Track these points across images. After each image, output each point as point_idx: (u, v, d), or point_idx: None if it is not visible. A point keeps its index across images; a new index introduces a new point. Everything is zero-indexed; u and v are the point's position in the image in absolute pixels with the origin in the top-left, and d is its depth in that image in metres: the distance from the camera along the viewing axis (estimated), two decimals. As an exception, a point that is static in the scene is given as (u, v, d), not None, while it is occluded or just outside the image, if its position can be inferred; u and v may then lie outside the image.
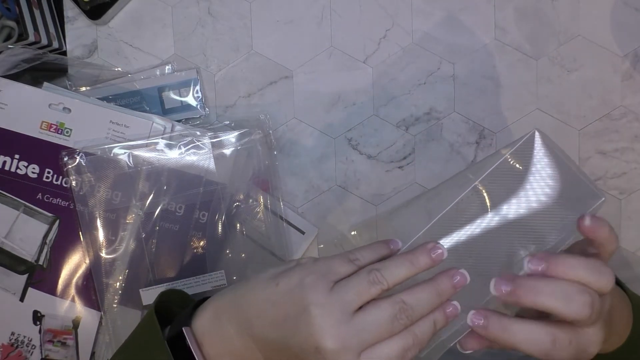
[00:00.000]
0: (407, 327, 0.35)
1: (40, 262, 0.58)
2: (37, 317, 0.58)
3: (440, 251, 0.37)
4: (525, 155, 0.40)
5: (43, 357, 0.58)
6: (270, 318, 0.36)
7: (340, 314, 0.34)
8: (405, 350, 0.35)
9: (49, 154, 0.58)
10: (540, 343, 0.35)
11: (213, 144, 0.58)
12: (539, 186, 0.39)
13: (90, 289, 0.58)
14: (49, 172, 0.58)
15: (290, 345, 0.35)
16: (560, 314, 0.34)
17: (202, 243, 0.58)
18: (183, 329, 0.38)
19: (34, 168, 0.58)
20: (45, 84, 0.59)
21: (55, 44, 0.60)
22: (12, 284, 0.58)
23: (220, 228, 0.58)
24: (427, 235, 0.39)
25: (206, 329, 0.39)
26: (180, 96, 0.61)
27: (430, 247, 0.37)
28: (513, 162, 0.39)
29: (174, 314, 0.43)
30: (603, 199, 0.40)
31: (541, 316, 0.36)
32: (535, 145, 0.40)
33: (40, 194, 0.58)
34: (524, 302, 0.34)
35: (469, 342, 0.38)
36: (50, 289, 0.58)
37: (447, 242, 0.39)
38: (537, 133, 0.40)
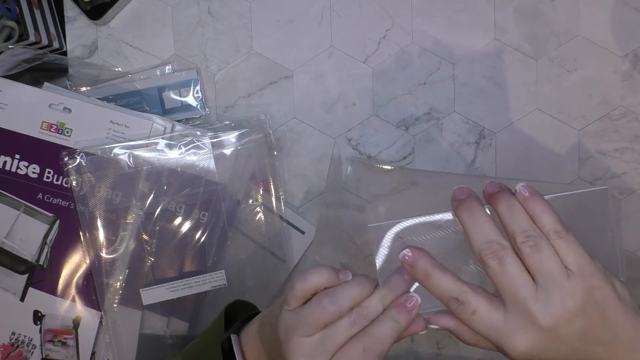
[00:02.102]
0: (363, 326, 0.38)
1: (41, 262, 0.58)
2: (38, 317, 0.58)
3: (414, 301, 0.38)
4: (586, 201, 0.39)
5: (43, 357, 0.58)
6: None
7: None
8: (367, 350, 0.37)
9: (49, 154, 0.58)
10: (445, 296, 0.36)
11: (213, 144, 0.58)
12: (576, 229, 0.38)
13: (91, 288, 0.58)
14: (49, 172, 0.58)
15: None
16: (466, 232, 0.36)
17: (202, 243, 0.58)
18: (231, 335, 0.44)
19: (34, 168, 0.58)
20: (46, 84, 0.59)
21: (56, 44, 0.60)
22: (13, 284, 0.58)
23: (220, 228, 0.58)
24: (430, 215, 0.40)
25: (248, 340, 0.44)
26: (181, 96, 0.61)
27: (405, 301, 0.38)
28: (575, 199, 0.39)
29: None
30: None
31: None
32: (600, 200, 0.39)
33: (40, 194, 0.58)
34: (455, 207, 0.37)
35: (439, 319, 0.39)
36: (51, 289, 0.58)
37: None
38: (609, 191, 0.39)
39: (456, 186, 0.38)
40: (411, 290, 0.39)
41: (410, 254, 0.37)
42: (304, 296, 0.39)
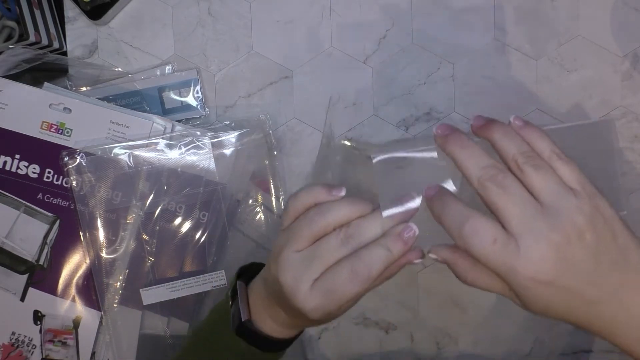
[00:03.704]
0: (354, 250, 0.37)
1: (41, 262, 0.58)
2: (38, 317, 0.58)
3: (412, 232, 0.37)
4: (587, 134, 0.38)
5: (43, 357, 0.58)
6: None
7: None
8: (354, 272, 0.36)
9: (49, 154, 0.58)
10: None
11: (213, 144, 0.58)
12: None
13: (91, 288, 0.58)
14: (49, 172, 0.58)
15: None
16: (459, 166, 0.35)
17: (202, 243, 0.58)
18: (237, 282, 0.45)
19: (34, 168, 0.58)
20: (46, 84, 0.59)
21: (56, 44, 0.60)
22: (13, 283, 0.58)
23: (220, 228, 0.58)
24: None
25: (254, 287, 0.45)
26: (181, 96, 0.61)
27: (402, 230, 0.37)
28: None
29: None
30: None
31: None
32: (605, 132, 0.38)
33: (40, 194, 0.58)
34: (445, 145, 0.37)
35: (438, 250, 0.37)
36: (51, 289, 0.58)
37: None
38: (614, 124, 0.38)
39: (437, 124, 0.37)
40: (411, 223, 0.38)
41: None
42: (296, 214, 0.39)
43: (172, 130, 0.58)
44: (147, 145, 0.57)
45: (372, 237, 0.37)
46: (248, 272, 0.48)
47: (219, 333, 0.45)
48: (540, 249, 0.32)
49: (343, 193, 0.39)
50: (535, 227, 0.32)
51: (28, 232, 0.58)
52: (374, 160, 0.39)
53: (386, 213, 0.38)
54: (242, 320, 0.42)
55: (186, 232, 0.58)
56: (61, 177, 0.58)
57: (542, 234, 0.32)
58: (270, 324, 0.43)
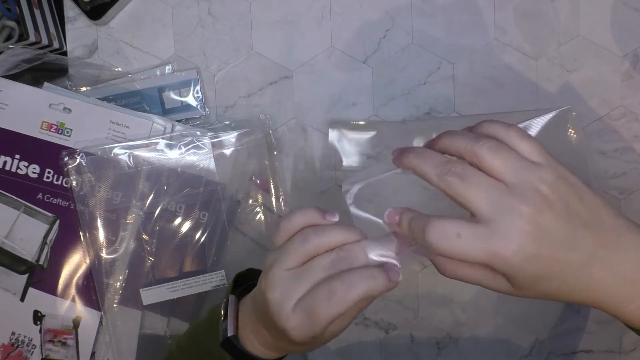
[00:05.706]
0: (337, 272, 0.37)
1: (41, 262, 0.58)
2: (38, 317, 0.58)
3: (396, 276, 0.37)
4: (551, 125, 0.38)
5: (43, 357, 0.58)
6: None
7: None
8: (331, 292, 0.35)
9: (49, 154, 0.58)
10: (418, 232, 0.35)
11: (213, 144, 0.58)
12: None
13: (91, 288, 0.58)
14: (49, 172, 0.58)
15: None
16: (418, 172, 0.36)
17: (202, 243, 0.58)
18: (230, 296, 0.44)
19: (34, 168, 0.58)
20: (46, 84, 0.59)
21: (56, 44, 0.60)
22: (13, 284, 0.58)
23: (220, 228, 0.58)
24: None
25: (245, 303, 0.44)
26: (181, 96, 0.61)
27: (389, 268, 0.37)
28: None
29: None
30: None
31: None
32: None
33: (40, 194, 0.58)
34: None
35: (420, 248, 0.38)
36: (51, 289, 0.58)
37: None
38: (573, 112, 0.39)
39: (392, 150, 0.38)
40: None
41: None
42: (288, 234, 0.39)
43: (172, 130, 0.58)
44: (147, 145, 0.57)
45: (362, 264, 0.37)
46: (244, 280, 0.47)
47: (209, 339, 0.45)
48: (515, 225, 0.32)
49: (336, 218, 0.39)
50: (505, 206, 0.33)
51: (28, 232, 0.58)
52: (343, 191, 0.40)
53: (372, 239, 0.38)
54: (228, 335, 0.42)
55: (186, 232, 0.58)
56: (61, 177, 0.58)
57: (513, 211, 0.32)
58: (254, 343, 0.43)
